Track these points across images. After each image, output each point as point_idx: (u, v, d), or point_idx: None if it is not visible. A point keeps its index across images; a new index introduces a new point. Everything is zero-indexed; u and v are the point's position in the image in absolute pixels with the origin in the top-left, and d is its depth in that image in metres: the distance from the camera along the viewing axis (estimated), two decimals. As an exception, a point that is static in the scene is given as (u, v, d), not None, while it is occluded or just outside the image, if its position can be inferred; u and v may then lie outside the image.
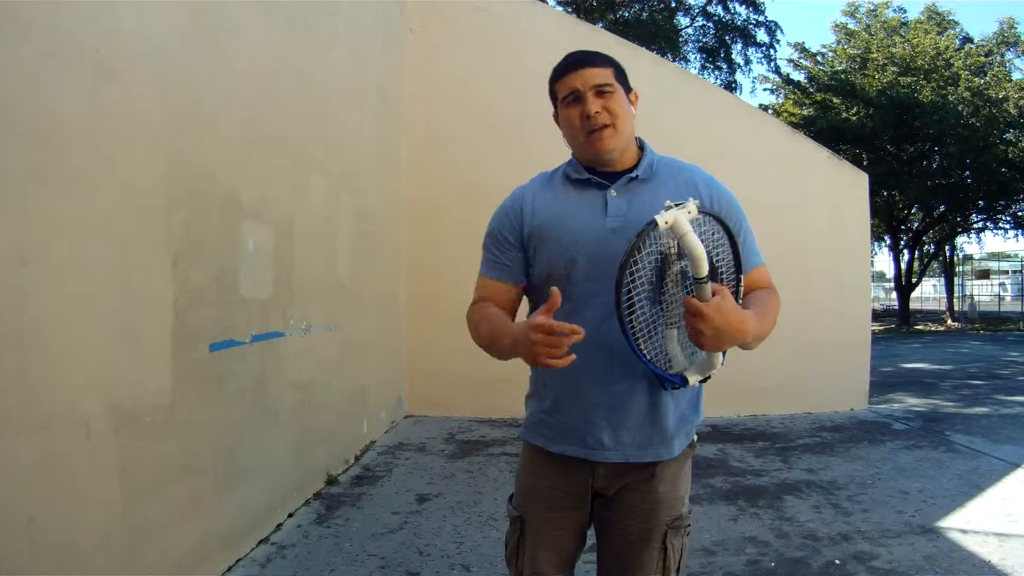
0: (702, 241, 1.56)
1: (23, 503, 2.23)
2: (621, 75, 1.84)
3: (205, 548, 3.35)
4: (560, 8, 20.63)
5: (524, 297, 1.96)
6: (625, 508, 1.84)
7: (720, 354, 1.63)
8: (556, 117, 1.90)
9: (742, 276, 1.68)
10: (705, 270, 1.50)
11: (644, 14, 23.29)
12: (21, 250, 2.24)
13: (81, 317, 2.52)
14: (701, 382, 1.69)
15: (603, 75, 1.78)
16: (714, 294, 1.52)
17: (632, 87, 1.89)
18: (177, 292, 3.12)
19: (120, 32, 2.76)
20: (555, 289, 1.56)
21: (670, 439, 1.82)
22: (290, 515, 4.38)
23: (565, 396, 1.84)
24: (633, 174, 1.82)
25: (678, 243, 1.54)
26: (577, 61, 1.81)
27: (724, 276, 1.67)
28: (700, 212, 1.57)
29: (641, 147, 1.90)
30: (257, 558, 3.77)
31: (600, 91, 1.77)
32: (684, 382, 1.67)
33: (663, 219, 1.50)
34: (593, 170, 1.85)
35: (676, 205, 1.54)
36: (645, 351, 1.62)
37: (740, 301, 1.67)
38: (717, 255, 1.64)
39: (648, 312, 1.63)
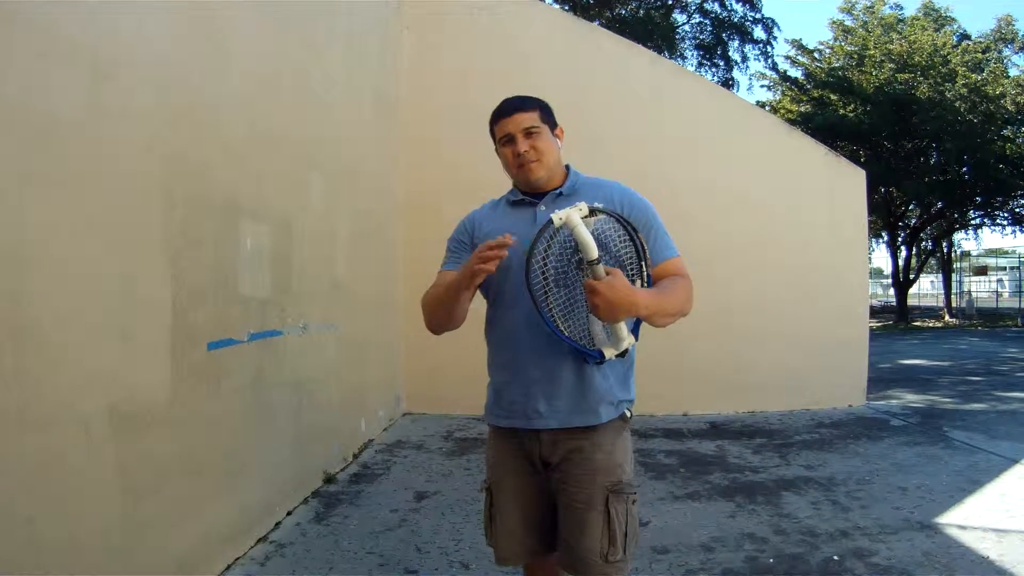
0: (607, 237, 1.93)
1: (22, 502, 2.23)
2: (547, 115, 2.21)
3: (204, 547, 3.36)
4: (557, 6, 20.63)
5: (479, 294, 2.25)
6: (569, 476, 2.09)
7: (625, 329, 1.94)
8: (497, 151, 2.26)
9: (644, 264, 1.94)
10: (594, 254, 1.80)
11: (641, 11, 23.30)
12: (19, 249, 2.24)
13: (80, 316, 2.52)
14: (618, 356, 1.97)
15: (531, 118, 2.15)
16: (608, 274, 1.82)
17: (557, 123, 2.25)
18: (175, 291, 3.12)
19: (118, 32, 2.76)
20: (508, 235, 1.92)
21: (595, 406, 2.09)
22: (289, 513, 4.38)
23: (509, 377, 2.17)
24: (558, 191, 2.18)
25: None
26: (509, 109, 2.18)
27: (628, 265, 1.96)
28: (603, 212, 1.91)
29: (567, 171, 2.25)
30: (256, 556, 3.77)
31: (528, 132, 2.14)
32: (602, 356, 1.96)
33: (557, 216, 1.84)
34: (527, 192, 2.22)
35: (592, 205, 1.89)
36: (564, 329, 1.95)
37: (646, 285, 1.94)
38: (617, 249, 1.96)
39: (562, 296, 1.95)
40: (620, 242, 1.95)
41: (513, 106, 2.18)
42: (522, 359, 2.11)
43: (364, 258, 6.18)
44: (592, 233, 1.85)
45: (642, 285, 1.92)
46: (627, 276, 1.91)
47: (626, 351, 1.96)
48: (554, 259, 1.93)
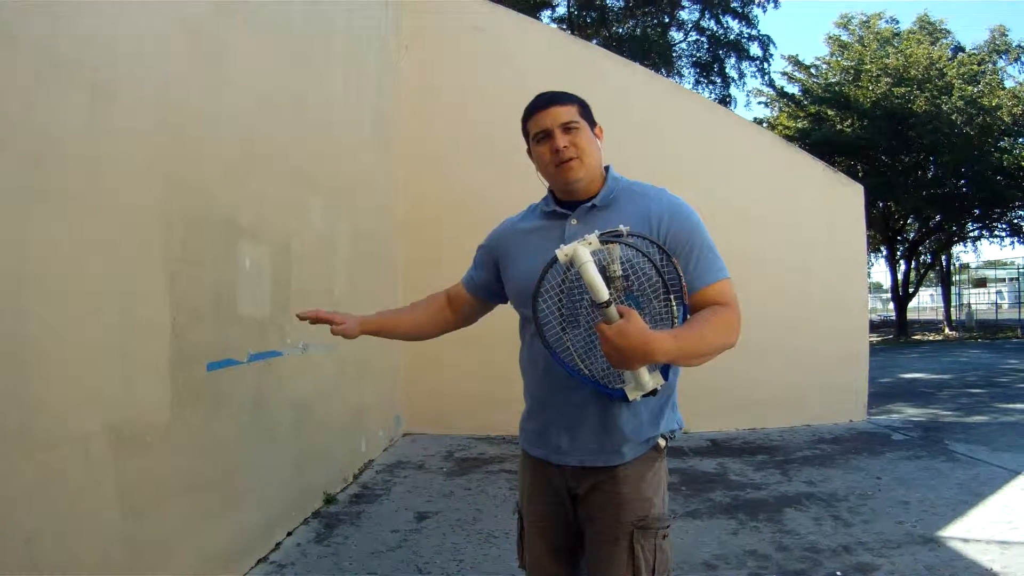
0: (636, 264, 1.73)
1: (22, 522, 2.23)
2: (586, 112, 2.00)
3: (204, 567, 3.34)
4: (553, 25, 20.77)
5: (515, 310, 2.12)
6: (595, 508, 1.96)
7: (645, 374, 1.72)
8: (529, 152, 2.05)
9: (673, 296, 1.74)
10: (603, 296, 1.61)
11: (638, 30, 23.45)
12: (19, 269, 2.25)
13: (80, 336, 2.53)
14: (644, 396, 1.76)
15: (569, 113, 1.94)
16: (622, 316, 1.62)
17: (596, 122, 2.03)
18: (175, 311, 3.13)
19: (117, 53, 2.78)
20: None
21: (619, 446, 1.92)
22: (289, 534, 4.36)
23: (535, 405, 2.06)
24: (590, 203, 1.97)
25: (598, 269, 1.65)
26: (546, 101, 1.97)
27: (660, 297, 1.76)
28: (624, 240, 1.70)
29: (607, 174, 2.04)
30: (257, 578, 3.76)
31: (567, 128, 1.92)
32: (625, 397, 1.78)
33: (562, 253, 1.67)
34: (561, 202, 2.02)
35: (603, 235, 1.69)
36: (584, 368, 1.79)
37: (678, 320, 1.75)
38: (649, 277, 1.75)
39: (580, 334, 1.81)
40: (651, 268, 1.75)
41: (548, 99, 1.98)
42: (546, 391, 1.99)
43: (364, 277, 6.19)
44: (620, 260, 1.70)
45: (673, 320, 1.74)
46: (659, 308, 1.75)
47: (655, 391, 1.75)
48: (568, 296, 1.79)
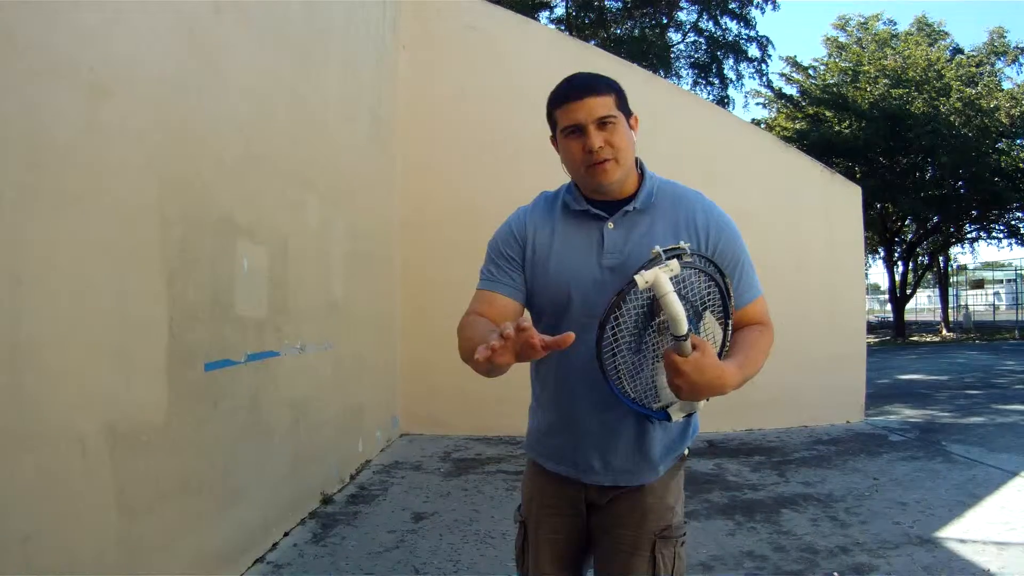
0: (690, 285, 1.63)
1: (18, 522, 2.23)
2: (622, 101, 1.79)
3: (201, 567, 3.34)
4: (552, 26, 20.76)
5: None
6: (616, 517, 1.87)
7: None
8: (553, 140, 1.86)
9: (731, 321, 1.70)
10: (683, 329, 1.51)
11: (636, 31, 23.44)
12: (16, 269, 2.25)
13: (77, 336, 2.53)
14: (685, 417, 1.73)
15: (606, 105, 1.73)
16: (695, 347, 1.53)
17: (632, 111, 1.84)
18: (172, 311, 3.13)
19: (115, 52, 2.78)
20: (570, 335, 1.40)
21: (656, 465, 1.86)
22: (286, 534, 4.36)
23: (559, 422, 1.90)
24: (630, 206, 1.80)
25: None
26: (580, 90, 1.74)
27: (714, 316, 1.71)
28: (688, 261, 1.60)
29: (641, 173, 1.87)
30: (253, 578, 3.76)
31: (603, 123, 1.72)
32: (668, 418, 1.70)
33: (643, 279, 1.51)
34: (592, 200, 1.83)
35: (665, 251, 1.57)
36: (630, 391, 1.67)
37: (728, 342, 1.72)
38: (703, 300, 1.68)
39: (631, 359, 1.66)
40: (705, 287, 1.67)
41: (583, 87, 1.74)
42: (577, 408, 1.84)
43: (361, 278, 6.19)
44: (672, 281, 1.54)
45: (725, 344, 1.71)
46: (710, 331, 1.70)
47: (694, 412, 1.73)
48: (630, 323, 1.62)
